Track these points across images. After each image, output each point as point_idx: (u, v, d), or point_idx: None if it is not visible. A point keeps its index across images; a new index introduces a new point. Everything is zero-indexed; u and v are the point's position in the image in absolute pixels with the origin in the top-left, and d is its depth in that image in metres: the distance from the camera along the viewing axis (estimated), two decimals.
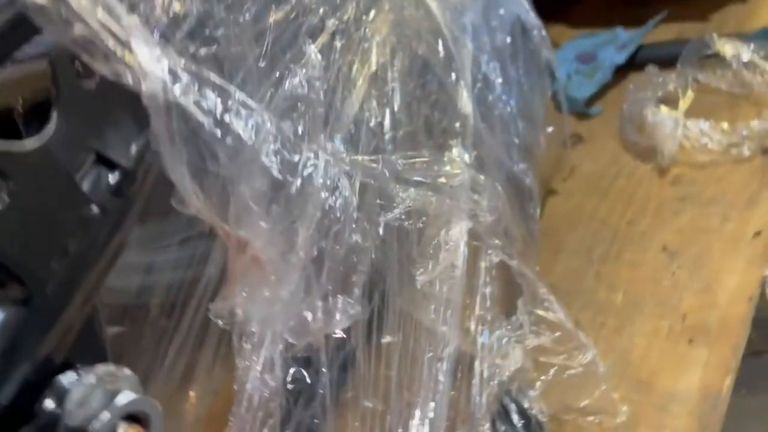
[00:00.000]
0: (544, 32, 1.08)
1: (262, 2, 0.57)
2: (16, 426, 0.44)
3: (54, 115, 0.46)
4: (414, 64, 0.79)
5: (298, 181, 0.52)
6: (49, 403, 0.47)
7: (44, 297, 0.45)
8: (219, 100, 0.48)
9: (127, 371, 0.48)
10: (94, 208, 0.48)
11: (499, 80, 0.99)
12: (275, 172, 0.49)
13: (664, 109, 1.17)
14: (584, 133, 1.27)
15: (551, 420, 0.95)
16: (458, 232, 0.81)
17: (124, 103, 0.50)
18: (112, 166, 0.49)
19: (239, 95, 0.51)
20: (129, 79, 0.46)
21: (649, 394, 0.96)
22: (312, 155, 0.54)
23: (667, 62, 1.19)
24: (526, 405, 0.97)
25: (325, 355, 0.62)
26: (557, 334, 0.89)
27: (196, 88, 0.48)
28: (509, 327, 0.88)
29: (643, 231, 1.10)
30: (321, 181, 0.54)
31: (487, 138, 0.91)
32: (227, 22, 0.54)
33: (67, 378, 0.48)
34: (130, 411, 0.45)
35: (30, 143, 0.45)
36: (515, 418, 0.96)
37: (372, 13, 0.73)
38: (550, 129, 1.15)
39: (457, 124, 0.86)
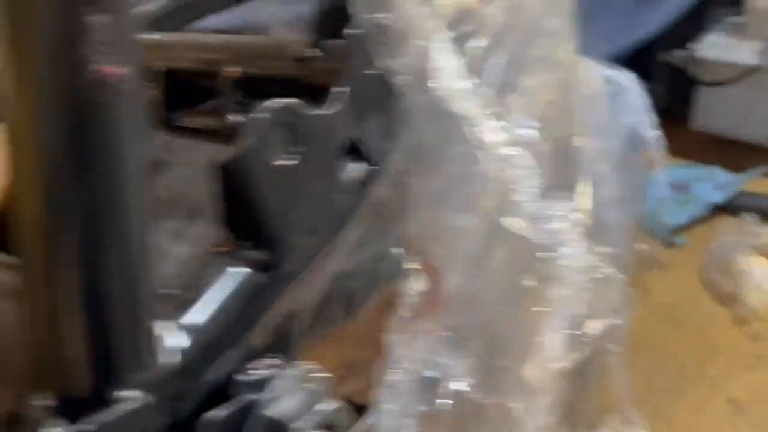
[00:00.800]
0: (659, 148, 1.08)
1: None
2: (213, 402, 0.39)
3: (345, 91, 0.43)
4: None
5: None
6: (246, 386, 0.42)
7: (283, 270, 0.41)
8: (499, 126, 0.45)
9: (326, 373, 0.44)
10: (343, 196, 0.45)
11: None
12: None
13: (755, 259, 1.17)
14: (664, 260, 1.26)
15: None
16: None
17: (388, 102, 0.48)
18: (363, 159, 0.46)
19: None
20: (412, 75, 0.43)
21: None
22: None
23: (766, 215, 1.20)
24: None
25: None
26: None
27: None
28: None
29: (712, 376, 1.08)
30: None
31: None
32: None
33: (268, 365, 0.43)
34: (329, 421, 0.41)
35: (321, 111, 0.42)
36: None
37: None
38: (639, 246, 1.14)
39: None
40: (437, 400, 0.63)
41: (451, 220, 0.48)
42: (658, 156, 1.10)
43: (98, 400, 0.33)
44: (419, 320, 0.52)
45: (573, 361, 0.75)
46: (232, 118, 0.64)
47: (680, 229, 1.27)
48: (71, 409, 0.33)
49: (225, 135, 0.65)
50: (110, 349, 0.33)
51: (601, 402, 0.87)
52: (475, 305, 0.52)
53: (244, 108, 0.68)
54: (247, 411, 0.40)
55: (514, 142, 0.46)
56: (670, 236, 1.24)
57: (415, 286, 0.57)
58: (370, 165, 0.45)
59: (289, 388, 0.42)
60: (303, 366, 0.42)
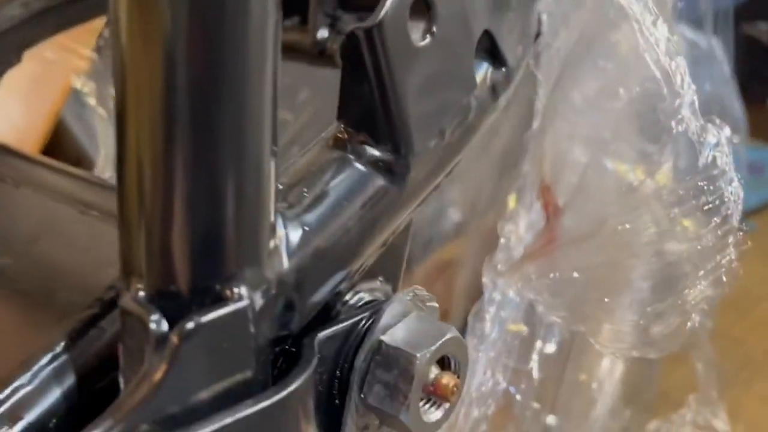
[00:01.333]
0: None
1: None
2: (319, 323, 0.34)
3: None
4: None
5: None
6: (358, 309, 0.36)
7: (409, 175, 0.35)
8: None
9: (435, 303, 0.38)
10: (473, 100, 0.39)
11: None
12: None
13: None
14: None
15: None
16: None
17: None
18: (497, 60, 0.40)
19: None
20: None
21: None
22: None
23: None
24: None
25: None
26: None
27: None
28: (673, 419, 0.79)
29: None
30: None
31: None
32: None
33: (378, 288, 0.37)
34: (448, 351, 0.35)
35: None
36: None
37: None
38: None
39: None
40: (530, 358, 0.58)
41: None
42: (739, 130, 1.03)
43: (203, 295, 0.28)
44: (523, 262, 0.46)
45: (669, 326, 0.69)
46: (321, 33, 0.59)
47: (751, 212, 1.21)
48: (173, 303, 0.27)
49: (312, 53, 0.59)
50: (222, 240, 0.28)
51: (685, 382, 0.82)
52: (585, 252, 0.46)
53: (334, 21, 0.61)
54: (362, 336, 0.34)
55: (676, 52, 0.40)
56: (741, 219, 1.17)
57: (523, 222, 0.51)
58: (507, 67, 0.39)
59: (403, 315, 0.36)
60: (415, 291, 0.37)
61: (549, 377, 0.64)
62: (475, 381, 0.52)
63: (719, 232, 0.54)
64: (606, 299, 0.42)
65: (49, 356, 0.30)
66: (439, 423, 0.36)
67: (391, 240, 0.38)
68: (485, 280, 0.51)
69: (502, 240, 0.49)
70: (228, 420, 0.27)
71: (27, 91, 0.86)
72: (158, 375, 0.26)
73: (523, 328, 0.58)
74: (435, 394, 0.35)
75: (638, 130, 0.46)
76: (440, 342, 0.35)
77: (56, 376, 0.30)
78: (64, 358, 0.30)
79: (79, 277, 0.36)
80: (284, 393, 0.29)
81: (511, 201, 0.55)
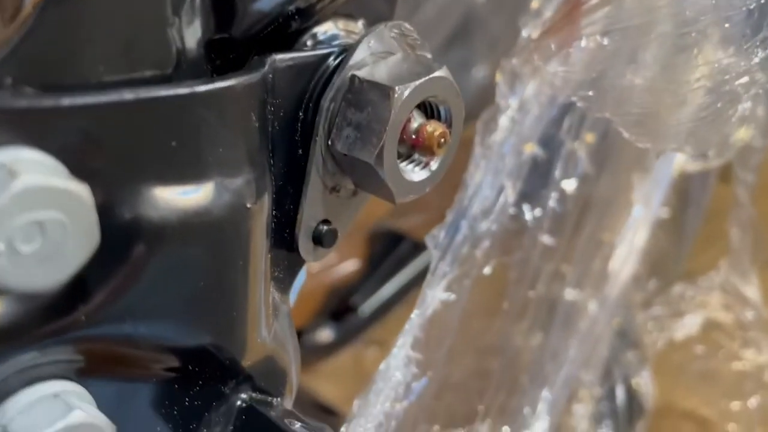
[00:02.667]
0: None
1: None
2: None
3: None
4: None
5: None
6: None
7: None
8: None
9: (428, 52, 0.32)
10: None
11: None
12: None
13: None
14: None
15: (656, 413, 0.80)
16: None
17: None
18: None
19: None
20: None
21: None
22: None
23: None
24: (634, 382, 0.83)
25: None
26: (749, 313, 0.73)
27: None
28: (700, 284, 0.73)
29: None
30: None
31: None
32: None
33: (360, 33, 0.31)
34: (435, 94, 0.29)
35: None
36: (619, 391, 0.82)
37: None
38: None
39: None
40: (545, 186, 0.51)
41: None
42: None
43: None
44: (542, 38, 0.39)
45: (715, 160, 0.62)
46: None
47: None
48: None
49: None
50: None
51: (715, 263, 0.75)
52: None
53: None
54: (330, 72, 0.28)
55: None
56: None
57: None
58: None
59: (384, 54, 0.30)
60: (402, 28, 0.30)
61: (566, 217, 0.58)
62: (479, 195, 0.47)
63: None
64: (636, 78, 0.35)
65: None
66: (422, 184, 0.30)
67: None
68: (499, 79, 0.44)
69: (522, 32, 0.42)
70: (128, 96, 0.21)
71: None
72: None
73: (540, 152, 0.52)
74: (419, 147, 0.29)
75: None
76: (425, 78, 0.28)
77: None
78: None
79: None
80: (209, 87, 0.23)
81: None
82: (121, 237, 0.21)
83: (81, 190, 0.18)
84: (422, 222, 0.84)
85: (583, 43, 0.34)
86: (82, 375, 0.22)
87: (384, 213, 0.88)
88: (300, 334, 0.90)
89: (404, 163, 0.30)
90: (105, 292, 0.21)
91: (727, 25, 0.41)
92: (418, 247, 0.87)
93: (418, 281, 0.82)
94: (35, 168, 0.18)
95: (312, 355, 0.92)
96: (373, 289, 0.95)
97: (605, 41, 0.33)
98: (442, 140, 0.29)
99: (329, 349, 0.92)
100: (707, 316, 0.73)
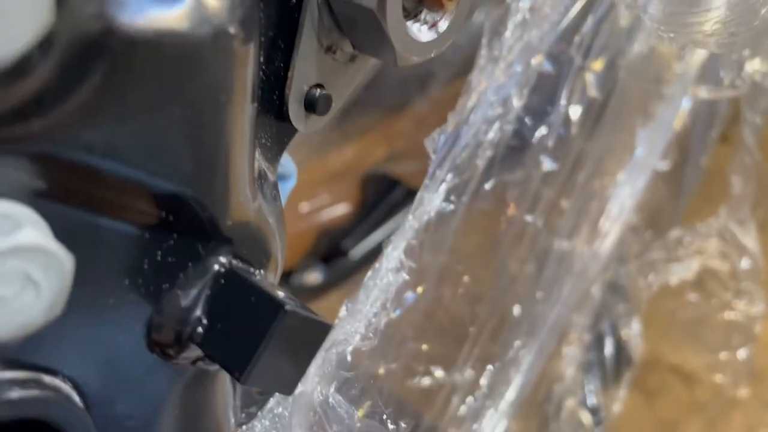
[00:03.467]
0: None
1: None
2: None
3: None
4: None
5: None
6: None
7: None
8: None
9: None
10: None
11: None
12: None
13: None
14: None
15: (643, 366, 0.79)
16: None
17: None
18: None
19: None
20: None
21: None
22: None
23: None
24: (623, 333, 0.82)
25: None
26: (745, 263, 0.71)
27: None
28: (699, 229, 0.71)
29: None
30: None
31: None
32: None
33: None
34: None
35: None
36: (608, 342, 0.81)
37: None
38: None
39: None
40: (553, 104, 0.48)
41: None
42: None
43: None
44: None
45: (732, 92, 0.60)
46: None
47: None
48: None
49: None
50: None
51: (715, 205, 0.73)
52: None
53: None
54: None
55: None
56: None
57: None
58: None
59: None
60: None
61: (569, 143, 0.55)
62: (483, 102, 0.44)
63: None
64: None
65: None
66: (428, 46, 0.27)
67: None
68: None
69: None
70: None
71: None
72: None
73: (548, 66, 0.49)
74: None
75: None
76: None
77: None
78: None
79: None
80: None
81: None
82: (86, 37, 0.18)
83: None
84: (417, 169, 0.82)
85: None
86: (41, 201, 0.19)
87: (378, 158, 0.86)
88: (289, 274, 0.88)
89: (410, 21, 0.27)
90: (66, 105, 0.18)
91: None
92: (412, 194, 0.85)
93: None
94: None
95: (300, 295, 0.90)
96: (365, 234, 0.93)
97: None
98: None
99: (317, 290, 0.90)
100: (703, 263, 0.72)
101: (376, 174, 0.95)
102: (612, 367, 0.80)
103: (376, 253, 0.96)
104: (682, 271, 0.68)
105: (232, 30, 0.21)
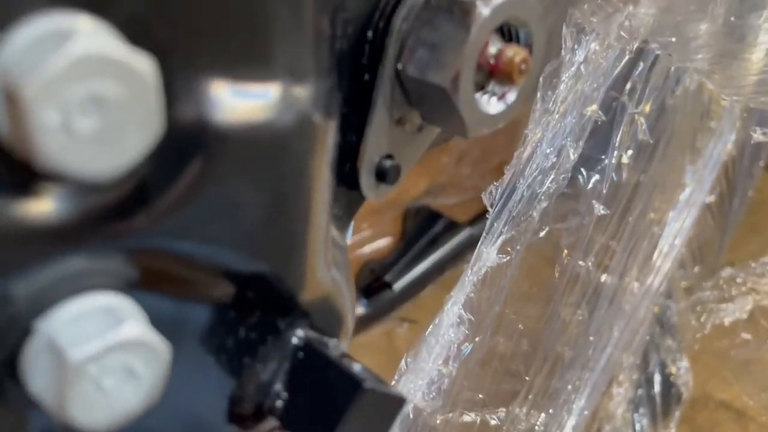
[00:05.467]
0: None
1: None
2: None
3: None
4: None
5: None
6: None
7: None
8: None
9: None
10: None
11: None
12: None
13: None
14: None
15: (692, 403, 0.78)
16: None
17: None
18: None
19: None
20: None
21: None
22: None
23: None
24: (672, 370, 0.81)
25: None
26: None
27: None
28: (753, 268, 0.70)
29: None
30: None
31: None
32: None
33: None
34: (516, 13, 0.26)
35: None
36: (656, 379, 0.80)
37: None
38: None
39: None
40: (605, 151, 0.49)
41: None
42: None
43: None
44: None
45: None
46: None
47: None
48: None
49: None
50: None
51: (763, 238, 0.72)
52: None
53: None
54: None
55: None
56: None
57: None
58: None
59: None
60: None
61: (621, 188, 0.55)
62: (539, 154, 0.44)
63: None
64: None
65: None
66: (497, 118, 0.28)
67: None
68: (566, 30, 0.41)
69: None
70: None
71: None
72: None
73: (600, 114, 0.49)
74: (497, 73, 0.27)
75: None
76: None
77: None
78: None
79: None
80: None
81: None
82: (185, 137, 0.19)
83: (144, 65, 0.16)
84: (458, 202, 0.82)
85: None
86: (135, 290, 0.20)
87: (419, 192, 0.86)
88: None
89: (479, 93, 0.28)
90: (165, 199, 0.19)
91: None
92: (453, 226, 0.86)
93: (452, 261, 0.81)
94: (95, 35, 0.16)
95: None
96: (407, 267, 0.94)
97: None
98: (524, 66, 0.27)
99: (361, 324, 0.90)
100: (757, 302, 0.71)
101: (417, 207, 0.96)
102: (661, 404, 0.79)
103: (419, 286, 0.96)
104: (735, 312, 0.67)
105: (315, 119, 0.22)
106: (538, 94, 0.45)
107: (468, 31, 0.25)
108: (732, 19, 0.35)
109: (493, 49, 0.27)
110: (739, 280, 0.69)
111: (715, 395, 0.84)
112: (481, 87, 0.28)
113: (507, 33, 0.27)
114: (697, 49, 0.33)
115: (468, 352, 0.42)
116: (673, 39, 0.33)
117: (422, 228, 0.96)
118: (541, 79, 0.45)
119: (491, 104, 0.27)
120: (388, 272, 0.92)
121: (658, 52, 0.34)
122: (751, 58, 0.34)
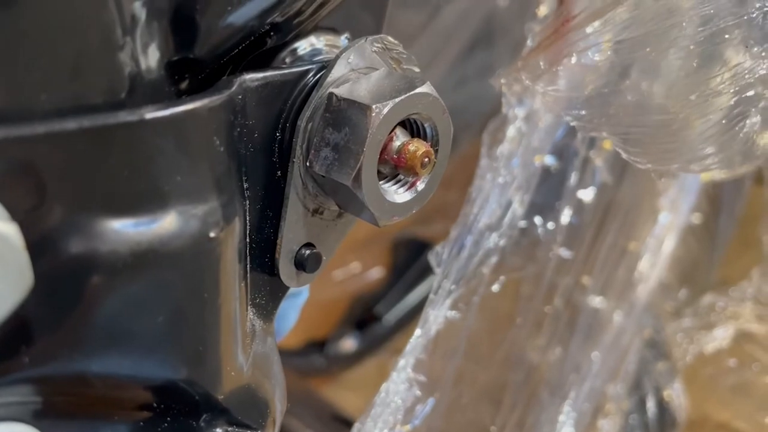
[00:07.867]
0: None
1: None
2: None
3: None
4: None
5: None
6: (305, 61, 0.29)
7: None
8: None
9: (415, 66, 0.31)
10: None
11: None
12: None
13: None
14: None
15: (690, 424, 0.77)
16: None
17: None
18: None
19: None
20: None
21: None
22: None
23: None
24: (665, 394, 0.80)
25: None
26: None
27: None
28: (731, 294, 0.70)
29: None
30: None
31: None
32: None
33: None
34: (418, 111, 0.27)
35: None
36: (650, 403, 0.80)
37: None
38: None
39: None
40: (559, 197, 0.49)
41: None
42: None
43: None
44: (533, 53, 0.37)
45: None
46: None
47: None
48: None
49: None
50: None
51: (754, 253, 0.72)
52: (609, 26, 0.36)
53: None
54: (308, 90, 0.26)
55: None
56: None
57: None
58: None
59: (366, 70, 0.28)
60: (385, 42, 0.29)
61: (584, 228, 0.56)
62: (487, 209, 0.45)
63: None
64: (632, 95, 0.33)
65: None
66: (407, 206, 0.29)
67: None
68: (504, 89, 0.42)
69: (528, 41, 0.40)
70: (70, 126, 0.20)
71: None
72: None
73: (553, 162, 0.50)
74: (401, 167, 0.28)
75: None
76: (405, 95, 0.27)
77: None
78: None
79: None
80: (160, 113, 0.21)
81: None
82: (66, 273, 0.20)
83: (10, 231, 0.18)
84: (446, 229, 0.83)
85: (573, 59, 0.32)
86: (38, 417, 0.21)
87: (407, 222, 0.87)
88: (324, 343, 0.89)
89: (388, 184, 0.29)
90: (50, 331, 0.20)
91: (748, 25, 0.39)
92: None
93: None
94: None
95: (336, 364, 0.91)
96: (398, 298, 0.94)
97: (596, 57, 0.32)
98: (426, 160, 0.28)
99: (353, 358, 0.91)
100: (739, 327, 0.71)
101: (405, 238, 0.96)
102: (656, 429, 0.78)
103: (409, 317, 0.96)
104: (717, 339, 0.67)
105: (213, 233, 0.23)
106: (483, 150, 0.46)
107: (366, 131, 0.26)
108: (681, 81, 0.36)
109: (397, 143, 0.28)
110: (719, 306, 0.70)
111: (710, 417, 0.84)
112: (392, 176, 0.29)
113: (413, 126, 0.29)
114: (616, 121, 0.34)
115: (426, 411, 0.42)
116: (584, 112, 0.33)
117: (411, 258, 0.97)
118: (484, 135, 0.46)
119: (399, 194, 0.28)
120: (378, 304, 0.93)
121: (572, 124, 0.35)
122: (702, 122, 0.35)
